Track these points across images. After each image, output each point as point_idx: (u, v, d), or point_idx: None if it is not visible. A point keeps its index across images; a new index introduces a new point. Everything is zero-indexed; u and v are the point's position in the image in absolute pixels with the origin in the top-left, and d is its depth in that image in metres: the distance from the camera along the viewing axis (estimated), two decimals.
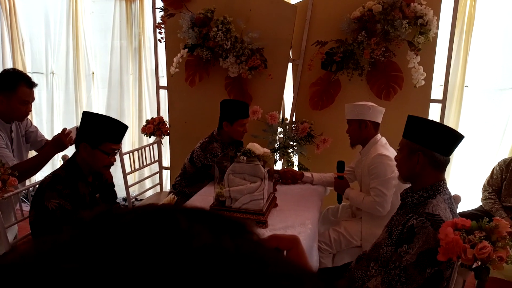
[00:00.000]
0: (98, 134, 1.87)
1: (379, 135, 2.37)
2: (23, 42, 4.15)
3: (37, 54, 4.28)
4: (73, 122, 4.22)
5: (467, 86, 3.32)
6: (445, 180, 1.70)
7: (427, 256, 1.50)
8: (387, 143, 2.36)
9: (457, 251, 1.33)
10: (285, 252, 0.52)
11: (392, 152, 2.25)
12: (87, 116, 1.91)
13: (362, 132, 2.35)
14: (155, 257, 0.21)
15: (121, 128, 1.92)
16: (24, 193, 2.92)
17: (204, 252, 0.22)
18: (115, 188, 2.27)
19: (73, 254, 0.22)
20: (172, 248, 0.22)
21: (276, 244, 0.51)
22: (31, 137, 2.53)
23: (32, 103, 2.35)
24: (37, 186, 2.41)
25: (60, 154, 2.47)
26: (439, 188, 1.65)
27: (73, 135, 2.35)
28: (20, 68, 4.04)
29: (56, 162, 4.20)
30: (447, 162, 1.68)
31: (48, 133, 4.19)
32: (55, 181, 1.83)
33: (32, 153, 2.66)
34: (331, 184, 2.57)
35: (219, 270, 0.22)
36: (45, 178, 1.90)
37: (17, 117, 2.32)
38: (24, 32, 4.16)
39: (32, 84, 2.28)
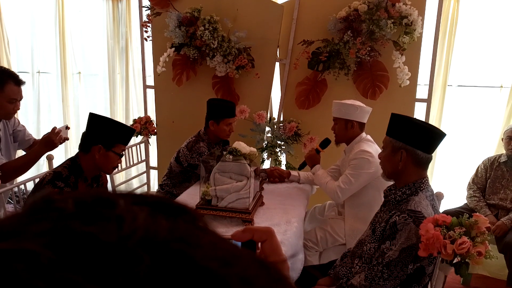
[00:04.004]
0: (112, 136, 1.92)
1: (364, 133, 2.39)
2: (8, 41, 4.10)
3: (23, 53, 4.23)
4: (60, 121, 4.18)
5: (450, 85, 3.37)
6: (427, 177, 1.72)
7: (409, 252, 1.52)
8: (372, 139, 2.39)
9: (437, 247, 1.36)
10: (259, 244, 0.53)
11: (376, 149, 2.27)
12: (96, 119, 1.93)
13: (347, 131, 2.37)
14: (77, 244, 0.22)
15: (130, 131, 2.01)
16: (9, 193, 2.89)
17: (132, 236, 0.23)
18: None
19: (5, 235, 0.22)
20: (98, 233, 0.22)
21: (250, 236, 0.52)
22: (19, 136, 2.51)
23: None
24: (22, 186, 2.40)
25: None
26: (422, 185, 1.67)
27: (63, 134, 2.34)
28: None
29: (41, 161, 4.16)
30: (429, 159, 1.70)
31: (34, 132, 4.14)
32: (56, 178, 1.83)
33: (20, 153, 2.63)
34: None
35: (146, 253, 0.22)
36: (45, 174, 1.89)
37: (4, 115, 2.29)
38: (9, 31, 4.11)
39: (19, 82, 2.26)
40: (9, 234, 0.22)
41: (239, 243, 0.52)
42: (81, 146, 1.94)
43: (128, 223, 0.23)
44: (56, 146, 2.32)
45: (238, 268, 0.24)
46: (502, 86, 3.33)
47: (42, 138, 2.36)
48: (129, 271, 0.21)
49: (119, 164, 3.15)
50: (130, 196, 0.27)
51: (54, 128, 2.32)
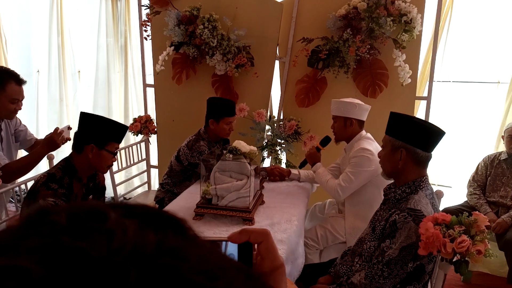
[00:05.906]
0: (104, 134, 1.90)
1: (363, 132, 2.39)
2: (6, 40, 4.09)
3: (21, 53, 4.22)
4: (59, 121, 4.17)
5: (448, 81, 3.37)
6: (427, 176, 1.73)
7: (409, 250, 1.52)
8: (372, 137, 2.39)
9: (437, 245, 1.36)
10: (255, 245, 0.53)
11: (376, 147, 2.27)
12: (87, 118, 1.91)
13: (347, 129, 2.37)
14: (68, 259, 0.22)
15: (123, 128, 1.98)
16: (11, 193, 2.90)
17: (122, 250, 0.23)
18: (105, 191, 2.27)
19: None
20: (88, 249, 0.23)
21: (247, 238, 0.52)
22: (21, 136, 2.51)
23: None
24: (22, 185, 2.40)
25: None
26: (421, 184, 1.68)
27: (65, 134, 2.34)
28: None
29: (42, 161, 4.16)
30: (429, 158, 1.71)
31: (33, 132, 4.10)
32: (50, 180, 1.82)
33: (21, 153, 2.63)
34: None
35: (134, 267, 0.23)
36: (39, 176, 1.88)
37: (6, 115, 2.29)
38: (6, 30, 4.10)
39: (21, 82, 2.26)
40: (3, 248, 0.23)
41: (235, 245, 0.52)
42: (74, 146, 1.93)
43: (118, 237, 0.24)
44: (59, 147, 2.33)
45: (223, 281, 0.25)
46: (499, 82, 3.32)
47: (44, 138, 2.36)
48: (116, 286, 0.22)
49: (118, 163, 3.18)
50: (121, 207, 0.28)
51: (57, 129, 2.33)
